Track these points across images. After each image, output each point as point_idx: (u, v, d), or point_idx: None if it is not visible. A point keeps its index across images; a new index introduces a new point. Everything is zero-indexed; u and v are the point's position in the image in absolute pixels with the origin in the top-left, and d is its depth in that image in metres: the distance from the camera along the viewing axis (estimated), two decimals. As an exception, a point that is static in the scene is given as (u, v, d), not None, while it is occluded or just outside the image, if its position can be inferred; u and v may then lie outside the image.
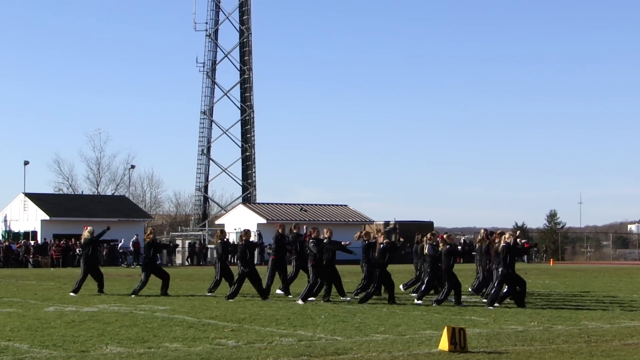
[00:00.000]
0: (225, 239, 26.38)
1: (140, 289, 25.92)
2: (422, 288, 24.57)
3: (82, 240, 27.54)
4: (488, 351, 13.71)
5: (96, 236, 27.14)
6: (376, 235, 24.50)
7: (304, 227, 25.71)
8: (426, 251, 24.30)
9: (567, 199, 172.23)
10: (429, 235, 24.75)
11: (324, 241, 23.97)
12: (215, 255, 27.53)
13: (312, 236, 24.02)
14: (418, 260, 27.16)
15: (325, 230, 24.61)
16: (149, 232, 27.83)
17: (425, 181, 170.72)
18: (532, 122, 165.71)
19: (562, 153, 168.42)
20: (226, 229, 69.50)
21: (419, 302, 23.41)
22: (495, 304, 22.35)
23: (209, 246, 69.50)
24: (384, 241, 23.47)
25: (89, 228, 27.24)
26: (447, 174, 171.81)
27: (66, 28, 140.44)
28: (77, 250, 57.35)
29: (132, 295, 25.54)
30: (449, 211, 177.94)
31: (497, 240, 24.35)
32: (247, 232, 25.00)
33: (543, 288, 31.29)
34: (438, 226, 75.06)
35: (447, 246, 23.40)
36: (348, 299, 24.22)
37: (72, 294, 26.00)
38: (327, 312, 20.29)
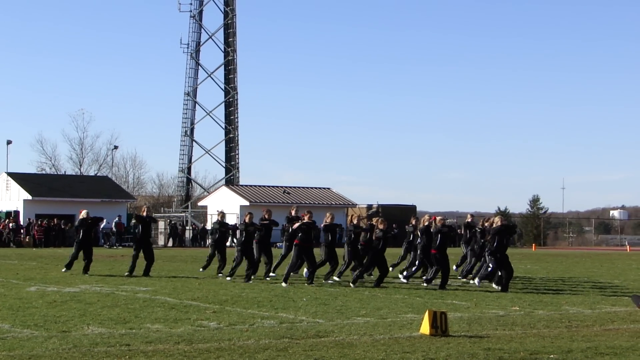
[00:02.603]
0: (224, 220, 27.12)
1: (134, 267, 26.18)
2: (413, 269, 24.78)
3: (77, 222, 27.99)
4: (469, 335, 13.74)
5: (90, 219, 27.44)
6: (375, 222, 24.73)
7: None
8: (419, 236, 24.43)
9: (550, 184, 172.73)
10: (426, 218, 24.80)
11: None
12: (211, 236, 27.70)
13: (305, 218, 24.14)
14: (409, 243, 27.40)
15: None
16: (143, 208, 28.04)
17: (409, 165, 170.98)
18: (515, 107, 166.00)
19: (545, 139, 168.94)
20: (208, 211, 70.04)
21: (405, 281, 23.57)
22: (485, 282, 22.59)
23: (188, 226, 69.42)
24: (381, 228, 23.65)
25: (84, 211, 27.63)
26: (430, 159, 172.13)
27: (50, 8, 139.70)
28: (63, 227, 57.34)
29: (126, 274, 25.70)
30: (432, 196, 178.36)
31: (484, 225, 25.07)
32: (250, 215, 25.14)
33: (525, 273, 31.39)
34: (420, 210, 75.26)
35: (439, 227, 23.52)
36: (336, 279, 24.39)
37: (64, 269, 26.74)
38: (309, 295, 20.32)
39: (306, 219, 23.92)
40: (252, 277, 24.42)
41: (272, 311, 16.80)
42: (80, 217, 27.49)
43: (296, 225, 23.98)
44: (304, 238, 23.68)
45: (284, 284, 23.00)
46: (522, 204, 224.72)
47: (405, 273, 24.88)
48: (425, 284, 22.62)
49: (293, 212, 26.52)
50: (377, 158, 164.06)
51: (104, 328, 13.85)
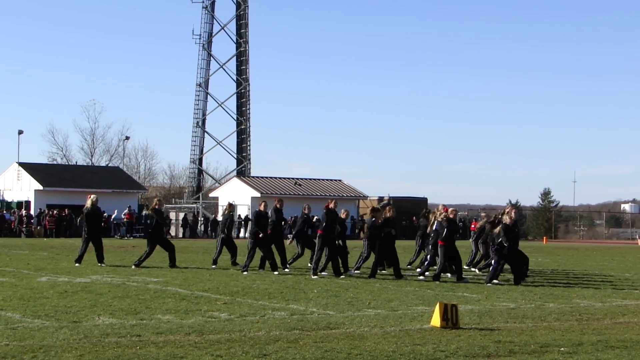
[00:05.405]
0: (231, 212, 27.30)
1: (145, 259, 26.00)
2: (426, 263, 24.81)
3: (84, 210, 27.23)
4: (480, 328, 13.72)
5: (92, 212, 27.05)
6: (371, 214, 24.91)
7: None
8: (434, 227, 24.33)
9: (561, 177, 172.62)
10: (440, 209, 24.73)
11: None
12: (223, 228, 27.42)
13: (330, 206, 24.12)
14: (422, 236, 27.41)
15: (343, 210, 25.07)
16: (155, 202, 27.82)
17: (419, 158, 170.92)
18: (527, 100, 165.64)
19: (557, 131, 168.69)
20: (219, 203, 70.13)
21: (422, 277, 23.55)
22: (494, 281, 22.48)
23: (199, 218, 69.52)
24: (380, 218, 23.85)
25: (92, 197, 27.04)
26: (441, 151, 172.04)
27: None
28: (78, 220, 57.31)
29: (133, 267, 25.53)
30: (442, 188, 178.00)
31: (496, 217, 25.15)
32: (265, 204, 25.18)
33: (536, 266, 31.33)
34: (431, 203, 75.12)
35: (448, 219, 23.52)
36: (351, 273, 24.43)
37: (76, 264, 26.30)
38: (319, 287, 20.31)
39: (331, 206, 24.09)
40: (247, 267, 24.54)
41: (283, 303, 16.80)
42: (86, 206, 26.83)
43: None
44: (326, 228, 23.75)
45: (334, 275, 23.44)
46: (533, 196, 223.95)
47: (419, 270, 24.91)
48: (433, 279, 22.73)
49: (306, 210, 26.46)
50: (388, 151, 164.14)
51: (115, 319, 13.87)
